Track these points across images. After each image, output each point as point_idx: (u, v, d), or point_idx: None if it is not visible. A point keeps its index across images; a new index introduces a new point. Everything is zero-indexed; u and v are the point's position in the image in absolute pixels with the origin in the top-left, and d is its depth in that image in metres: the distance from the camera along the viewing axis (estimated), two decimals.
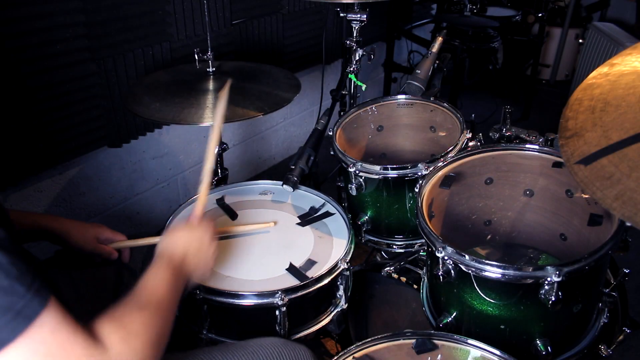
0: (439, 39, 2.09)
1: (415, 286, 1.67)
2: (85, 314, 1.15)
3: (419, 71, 2.00)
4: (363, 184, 1.55)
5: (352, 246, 1.38)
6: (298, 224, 1.49)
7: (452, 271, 1.16)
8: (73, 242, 1.23)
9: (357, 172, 1.53)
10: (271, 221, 1.48)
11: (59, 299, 0.71)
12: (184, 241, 1.08)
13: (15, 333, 0.64)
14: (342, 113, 1.98)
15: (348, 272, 1.36)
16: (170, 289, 0.95)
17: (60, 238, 1.22)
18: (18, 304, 0.65)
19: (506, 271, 1.08)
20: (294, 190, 1.49)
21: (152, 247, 1.19)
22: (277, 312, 1.22)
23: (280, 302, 1.20)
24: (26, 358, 0.65)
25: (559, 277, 1.04)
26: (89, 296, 1.24)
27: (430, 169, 1.43)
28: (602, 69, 1.09)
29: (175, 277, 0.99)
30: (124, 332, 0.78)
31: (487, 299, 1.15)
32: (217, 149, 1.90)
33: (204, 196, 1.21)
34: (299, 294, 1.23)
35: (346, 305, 1.37)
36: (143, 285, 0.92)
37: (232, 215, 1.52)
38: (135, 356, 0.78)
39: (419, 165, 1.49)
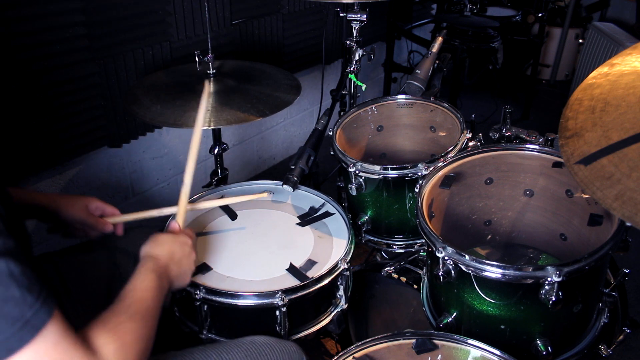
0: (439, 39, 2.09)
1: (415, 286, 1.67)
2: (77, 303, 1.15)
3: (419, 71, 2.00)
4: (363, 184, 1.55)
5: (352, 246, 1.38)
6: (298, 224, 1.49)
7: (452, 271, 1.16)
8: (63, 216, 1.22)
9: (357, 172, 1.53)
10: (265, 192, 1.51)
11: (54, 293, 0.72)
12: (168, 245, 1.10)
13: (23, 342, 0.65)
14: (342, 113, 1.98)
15: (348, 272, 1.36)
16: (157, 294, 0.97)
17: (50, 214, 1.21)
18: (27, 314, 0.66)
19: (506, 271, 1.08)
20: (294, 190, 1.48)
21: (149, 231, 1.19)
22: (277, 313, 1.22)
23: (280, 303, 1.20)
24: None
25: (559, 277, 1.04)
26: (80, 285, 1.23)
27: (430, 169, 1.43)
28: (602, 69, 1.09)
29: (161, 281, 1.01)
30: (119, 343, 0.79)
31: (487, 299, 1.15)
32: (217, 149, 1.91)
33: (184, 204, 1.24)
34: (299, 294, 1.23)
35: (346, 305, 1.37)
36: (131, 291, 0.93)
37: (232, 215, 1.52)
38: None
39: (419, 165, 1.49)
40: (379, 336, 1.13)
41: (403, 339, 1.14)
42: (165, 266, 1.05)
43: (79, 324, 0.77)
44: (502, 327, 1.17)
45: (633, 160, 0.88)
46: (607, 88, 1.03)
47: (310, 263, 1.34)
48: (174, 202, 1.50)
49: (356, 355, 1.11)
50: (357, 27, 1.89)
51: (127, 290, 0.93)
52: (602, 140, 0.94)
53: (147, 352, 0.86)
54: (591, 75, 1.09)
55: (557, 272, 1.04)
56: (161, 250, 1.08)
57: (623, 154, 0.90)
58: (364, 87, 1.95)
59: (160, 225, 1.35)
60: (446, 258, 1.15)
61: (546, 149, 1.41)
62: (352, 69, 1.88)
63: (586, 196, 1.34)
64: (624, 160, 0.89)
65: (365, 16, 1.86)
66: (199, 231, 1.45)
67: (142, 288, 0.95)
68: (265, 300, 1.20)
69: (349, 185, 1.57)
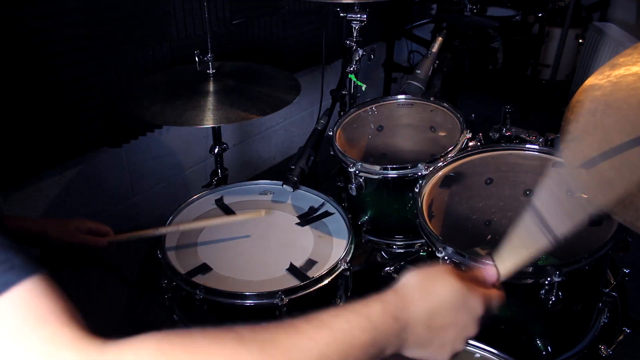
0: (439, 39, 2.09)
1: None
2: None
3: (419, 71, 2.00)
4: (363, 184, 1.55)
5: (352, 246, 1.38)
6: (298, 224, 1.49)
7: None
8: (54, 239, 1.21)
9: (357, 172, 1.53)
10: (262, 210, 1.48)
11: None
12: (453, 312, 0.73)
13: (13, 282, 0.56)
14: (342, 113, 1.98)
15: (348, 273, 1.36)
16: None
17: (40, 239, 1.20)
18: (15, 260, 0.58)
19: None
20: (294, 190, 1.48)
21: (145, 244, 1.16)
22: (277, 313, 1.22)
23: (280, 303, 1.20)
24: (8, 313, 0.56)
25: (559, 277, 1.04)
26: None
27: (430, 169, 1.43)
28: (603, 70, 1.09)
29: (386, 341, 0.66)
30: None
31: None
32: (217, 149, 1.90)
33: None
34: (300, 294, 1.23)
35: None
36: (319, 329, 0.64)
37: (232, 215, 1.52)
38: None
39: (419, 165, 1.49)
40: None
41: None
42: (416, 326, 0.68)
43: None
44: (502, 327, 1.17)
45: (635, 164, 0.88)
46: (608, 90, 1.03)
47: (311, 263, 1.34)
48: (175, 202, 1.49)
49: None
50: (357, 27, 1.89)
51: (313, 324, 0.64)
52: (604, 143, 0.93)
53: None
54: (592, 76, 1.09)
55: (557, 272, 1.04)
56: (426, 304, 0.70)
57: (624, 157, 0.89)
58: (364, 87, 1.95)
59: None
60: (446, 258, 1.15)
61: (546, 149, 1.41)
62: (352, 69, 1.88)
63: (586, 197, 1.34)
64: (625, 164, 0.89)
65: (365, 16, 1.86)
66: (199, 232, 1.45)
67: (342, 338, 0.64)
68: (266, 301, 1.20)
69: (349, 185, 1.57)
